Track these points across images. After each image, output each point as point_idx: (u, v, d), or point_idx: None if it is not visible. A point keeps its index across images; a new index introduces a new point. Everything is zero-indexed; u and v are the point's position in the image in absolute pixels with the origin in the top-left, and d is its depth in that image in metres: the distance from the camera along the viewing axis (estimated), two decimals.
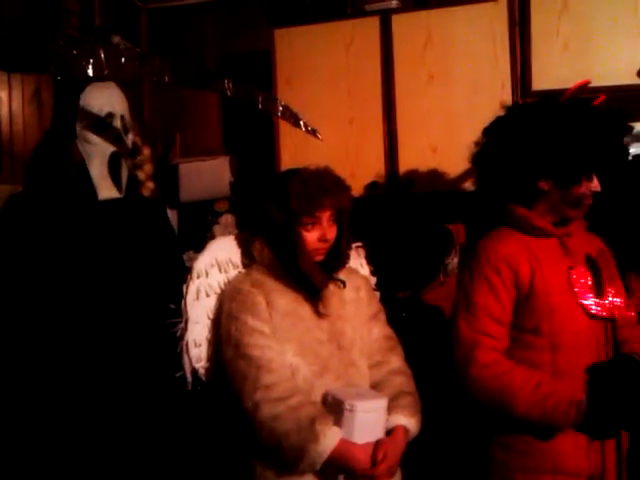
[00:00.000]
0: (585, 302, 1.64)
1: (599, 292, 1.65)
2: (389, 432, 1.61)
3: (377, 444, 1.54)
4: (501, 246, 1.70)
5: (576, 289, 1.64)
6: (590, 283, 1.66)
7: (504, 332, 1.67)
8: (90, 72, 1.90)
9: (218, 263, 1.76)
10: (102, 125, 1.97)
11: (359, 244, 1.95)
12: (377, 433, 1.57)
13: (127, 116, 2.06)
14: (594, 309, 1.64)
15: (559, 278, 1.67)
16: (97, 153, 1.95)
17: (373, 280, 1.96)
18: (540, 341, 1.66)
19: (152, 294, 1.93)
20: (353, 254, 1.91)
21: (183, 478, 1.97)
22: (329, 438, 1.50)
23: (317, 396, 1.60)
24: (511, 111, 1.77)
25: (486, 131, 1.78)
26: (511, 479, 1.69)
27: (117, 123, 2.00)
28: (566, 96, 1.74)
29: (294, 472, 1.56)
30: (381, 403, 1.59)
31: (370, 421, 1.55)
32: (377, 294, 1.92)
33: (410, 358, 1.79)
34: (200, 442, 1.97)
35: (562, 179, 1.66)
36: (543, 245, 1.71)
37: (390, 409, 1.61)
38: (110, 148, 1.97)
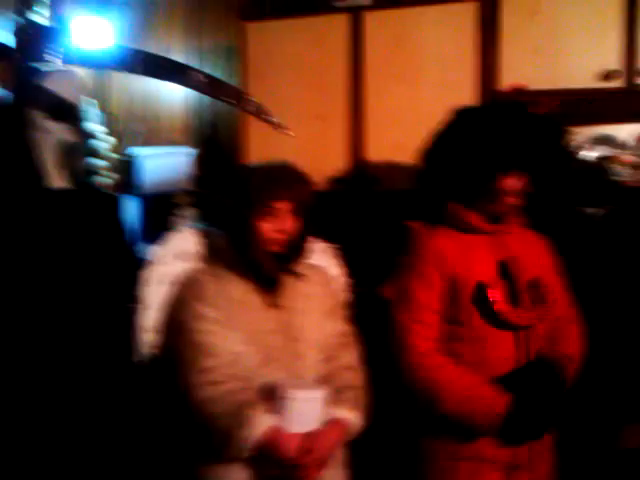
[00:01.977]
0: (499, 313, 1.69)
1: (514, 301, 1.70)
2: None
3: (308, 434, 1.54)
4: (433, 242, 1.78)
5: (491, 300, 1.69)
6: (504, 293, 1.70)
7: (437, 320, 1.74)
8: (55, 60, 1.87)
9: (179, 253, 1.77)
10: (58, 113, 1.93)
11: (331, 245, 1.96)
12: (311, 424, 1.56)
13: (85, 105, 2.02)
14: (508, 320, 1.69)
15: (486, 274, 1.73)
16: (50, 141, 1.92)
17: (345, 281, 1.96)
18: (467, 333, 1.72)
19: (97, 284, 1.91)
20: (325, 254, 1.93)
21: (127, 461, 1.95)
22: (258, 424, 1.50)
23: (260, 385, 1.60)
24: (455, 114, 1.84)
25: (434, 134, 1.86)
26: (435, 466, 1.75)
27: (74, 112, 1.96)
28: (499, 99, 1.80)
29: (223, 460, 1.55)
30: (317, 394, 1.58)
31: (304, 411, 1.54)
32: (341, 291, 1.91)
33: (368, 353, 1.80)
34: (147, 427, 1.95)
35: (476, 174, 1.73)
36: (474, 241, 1.77)
37: (330, 402, 1.60)
38: (65, 137, 1.93)
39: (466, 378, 1.68)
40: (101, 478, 1.86)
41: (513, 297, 1.71)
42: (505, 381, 1.67)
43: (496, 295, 1.68)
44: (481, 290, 1.70)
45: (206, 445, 1.59)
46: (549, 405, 1.66)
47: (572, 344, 1.78)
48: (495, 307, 1.68)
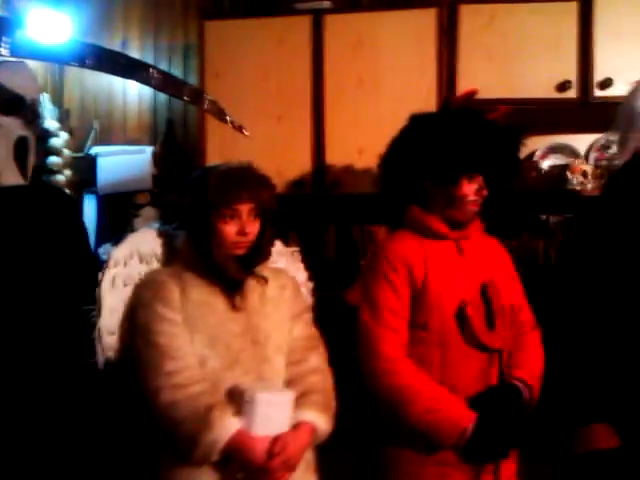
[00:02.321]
0: (478, 337, 1.71)
1: (490, 325, 1.73)
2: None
3: (276, 437, 1.53)
4: (397, 246, 1.79)
5: (470, 324, 1.71)
6: (482, 318, 1.72)
7: (404, 325, 1.75)
8: (5, 52, 1.81)
9: (140, 254, 1.75)
10: (10, 107, 1.86)
11: (296, 249, 1.96)
12: (279, 427, 1.55)
13: (39, 99, 1.96)
14: (485, 343, 1.71)
15: (451, 279, 1.75)
16: (2, 136, 1.84)
17: (310, 285, 1.97)
18: (429, 337, 1.73)
19: (53, 285, 1.86)
20: (289, 258, 1.93)
21: (91, 466, 1.90)
22: (224, 428, 1.49)
23: (225, 388, 1.59)
24: (411, 120, 1.86)
25: (392, 140, 1.88)
26: (398, 469, 1.75)
27: (27, 106, 1.89)
28: (454, 105, 1.84)
29: (191, 463, 1.54)
30: (284, 397, 1.58)
31: (271, 414, 1.53)
32: (306, 295, 1.91)
33: (331, 357, 1.79)
34: (110, 430, 1.91)
35: (439, 178, 1.76)
36: (438, 247, 1.79)
37: (298, 405, 1.60)
38: (18, 132, 1.86)
39: (435, 389, 1.68)
40: None
41: (489, 319, 1.72)
42: (471, 402, 1.68)
43: (474, 315, 1.69)
44: (461, 309, 1.71)
45: (172, 449, 1.56)
46: (512, 429, 1.69)
47: (535, 354, 1.80)
48: (473, 327, 1.69)
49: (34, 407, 1.79)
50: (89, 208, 2.84)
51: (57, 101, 2.91)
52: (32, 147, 1.91)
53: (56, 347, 1.83)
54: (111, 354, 1.68)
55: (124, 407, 1.70)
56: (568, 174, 2.45)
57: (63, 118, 2.90)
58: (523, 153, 1.92)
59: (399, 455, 1.74)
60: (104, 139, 2.98)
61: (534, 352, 1.81)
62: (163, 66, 2.92)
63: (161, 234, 1.80)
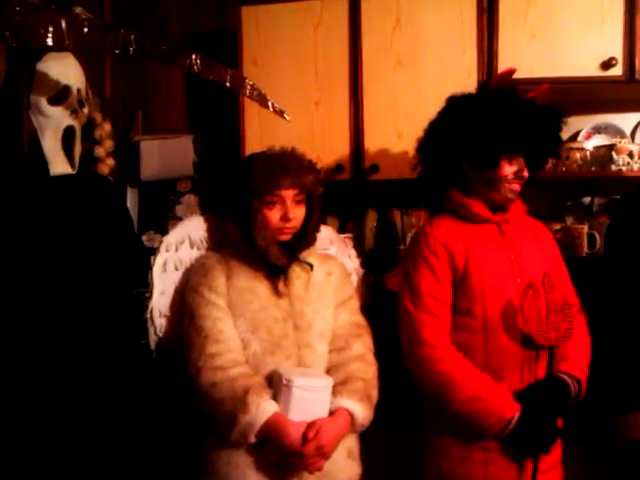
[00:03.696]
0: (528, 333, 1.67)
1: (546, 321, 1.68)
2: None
3: (310, 423, 1.54)
4: (438, 231, 1.77)
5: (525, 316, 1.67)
6: (540, 312, 1.67)
7: (447, 311, 1.73)
8: (49, 42, 1.83)
9: (190, 240, 1.80)
10: (57, 97, 1.91)
11: (348, 235, 1.96)
12: (316, 413, 1.56)
13: (84, 90, 2.00)
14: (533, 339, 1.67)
15: (494, 263, 1.73)
16: (51, 126, 1.89)
17: (361, 272, 1.98)
18: (473, 323, 1.71)
19: (104, 269, 1.91)
20: (341, 245, 1.95)
21: (141, 443, 1.96)
22: (261, 410, 1.52)
23: (266, 373, 1.62)
24: (449, 101, 1.84)
25: (430, 123, 1.86)
26: (443, 454, 1.74)
27: (73, 96, 1.93)
28: (492, 85, 1.81)
29: (230, 444, 1.57)
30: (321, 383, 1.58)
31: (308, 399, 1.54)
32: (353, 281, 1.91)
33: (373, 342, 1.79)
34: (161, 409, 1.97)
35: (479, 160, 1.73)
36: (480, 230, 1.78)
37: (336, 392, 1.61)
38: (65, 122, 1.91)
39: (479, 377, 1.67)
40: (111, 460, 1.87)
41: (539, 314, 1.67)
42: (517, 395, 1.67)
43: (526, 312, 1.65)
44: (510, 305, 1.69)
45: (214, 430, 1.61)
46: (555, 425, 1.67)
47: (582, 342, 1.77)
48: (524, 327, 1.65)
49: (87, 387, 1.85)
50: (131, 196, 2.89)
51: (99, 90, 2.96)
52: (79, 136, 1.96)
53: (109, 329, 1.89)
54: (162, 335, 1.74)
55: (174, 387, 1.75)
56: (614, 154, 2.40)
57: (105, 107, 2.95)
58: (566, 133, 1.89)
59: (443, 440, 1.74)
60: (146, 127, 3.01)
61: (581, 340, 1.77)
62: (201, 51, 2.92)
63: (209, 220, 1.84)
